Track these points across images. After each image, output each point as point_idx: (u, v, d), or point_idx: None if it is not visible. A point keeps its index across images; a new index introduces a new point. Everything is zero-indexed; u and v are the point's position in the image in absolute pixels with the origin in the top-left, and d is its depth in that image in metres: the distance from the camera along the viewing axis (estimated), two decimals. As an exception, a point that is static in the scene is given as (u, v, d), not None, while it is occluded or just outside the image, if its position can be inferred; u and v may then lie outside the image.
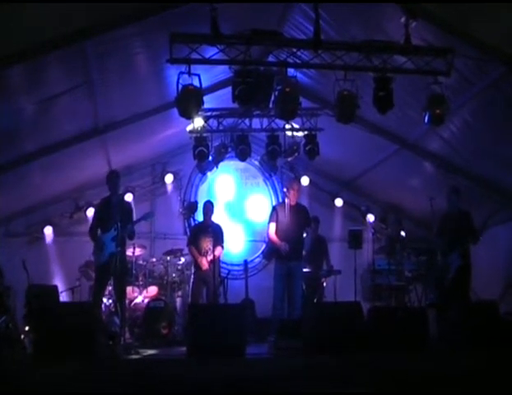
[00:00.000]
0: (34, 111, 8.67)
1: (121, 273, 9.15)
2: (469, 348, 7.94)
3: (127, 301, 10.63)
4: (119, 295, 9.36)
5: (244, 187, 14.07)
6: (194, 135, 11.08)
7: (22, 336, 9.19)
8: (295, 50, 8.37)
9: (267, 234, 10.06)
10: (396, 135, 11.09)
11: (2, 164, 9.46)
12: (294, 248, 9.73)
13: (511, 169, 10.02)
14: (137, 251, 11.47)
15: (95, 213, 9.84)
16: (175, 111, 8.35)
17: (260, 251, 13.39)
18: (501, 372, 5.95)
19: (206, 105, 8.58)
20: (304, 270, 11.09)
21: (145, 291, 11.35)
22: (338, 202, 13.99)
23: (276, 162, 12.13)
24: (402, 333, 8.18)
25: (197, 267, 10.75)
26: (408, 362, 7.11)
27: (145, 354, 9.31)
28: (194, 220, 12.84)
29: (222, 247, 10.98)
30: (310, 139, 11.01)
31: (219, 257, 11.02)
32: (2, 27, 6.62)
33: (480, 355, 7.47)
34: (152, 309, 10.78)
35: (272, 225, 9.88)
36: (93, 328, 8.28)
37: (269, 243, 10.41)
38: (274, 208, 10.17)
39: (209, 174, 13.14)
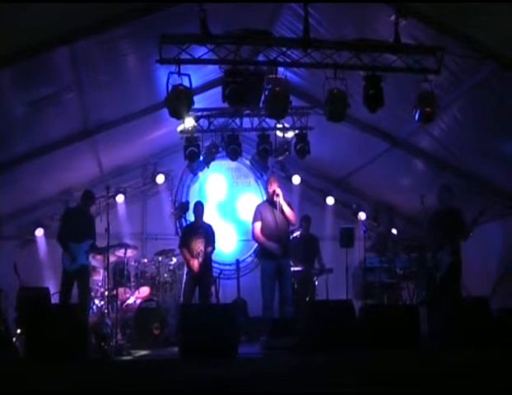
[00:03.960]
0: (24, 113, 8.65)
1: (86, 280, 10.02)
2: (460, 345, 7.96)
3: (119, 302, 10.71)
4: (85, 298, 9.93)
5: (235, 186, 14.06)
6: (185, 135, 11.07)
7: (14, 339, 9.16)
8: (284, 49, 8.37)
9: (254, 234, 9.97)
10: (386, 133, 11.10)
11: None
12: (283, 245, 9.72)
13: (501, 167, 10.06)
14: (129, 252, 11.46)
15: (64, 222, 10.13)
16: (166, 111, 8.33)
17: (252, 250, 13.38)
18: (492, 368, 5.97)
19: (196, 105, 8.56)
20: (296, 269, 11.13)
21: (137, 292, 11.33)
22: (330, 201, 13.98)
23: (268, 161, 12.14)
24: (394, 331, 8.20)
25: (190, 268, 10.73)
26: (400, 360, 7.13)
27: (137, 355, 9.32)
28: (186, 220, 12.86)
29: (214, 247, 10.96)
30: (301, 138, 11.01)
31: (211, 258, 11.02)
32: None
33: (471, 351, 7.50)
34: (144, 310, 10.78)
35: (258, 224, 9.84)
36: (85, 330, 8.29)
37: (258, 242, 10.38)
38: (257, 208, 10.11)
39: (200, 173, 13.13)
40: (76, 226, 9.86)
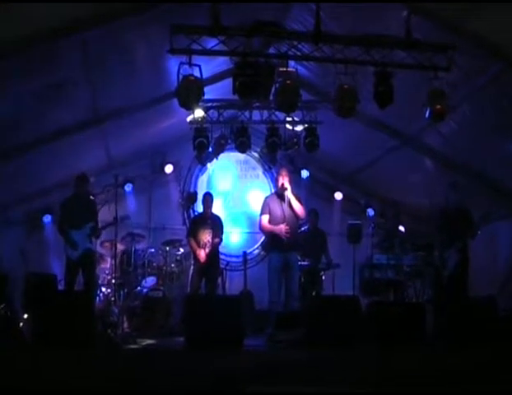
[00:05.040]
0: (34, 100, 8.65)
1: (91, 266, 9.93)
2: (467, 344, 7.96)
3: (125, 290, 10.79)
4: (91, 285, 9.82)
5: (243, 178, 14.06)
6: (194, 126, 11.09)
7: (21, 325, 9.22)
8: (295, 43, 8.36)
9: (260, 225, 9.95)
10: (396, 130, 11.06)
11: (2, 151, 9.45)
12: (291, 237, 9.68)
13: (510, 166, 10.02)
14: (136, 241, 11.50)
15: (63, 211, 10.05)
16: (176, 101, 8.33)
17: (259, 243, 13.40)
18: (499, 367, 5.97)
19: (206, 96, 8.53)
20: (303, 263, 11.12)
21: (143, 281, 11.37)
22: (338, 196, 13.95)
23: (276, 154, 12.13)
24: (400, 328, 8.21)
25: (197, 258, 10.76)
26: (404, 358, 7.13)
27: (143, 343, 9.36)
28: (194, 210, 12.89)
29: (221, 239, 10.99)
30: (310, 132, 11.00)
31: (218, 249, 11.04)
32: (2, 16, 6.63)
33: (478, 350, 7.49)
34: (151, 299, 10.81)
35: (265, 217, 9.81)
36: (91, 317, 8.34)
37: (266, 234, 10.38)
38: (265, 200, 10.07)
39: (209, 165, 13.14)
40: (75, 212, 9.79)
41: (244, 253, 12.74)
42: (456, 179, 10.20)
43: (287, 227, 9.54)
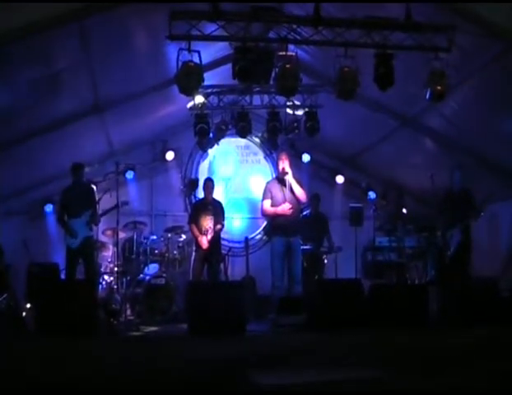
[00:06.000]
0: (34, 89, 8.61)
1: (91, 254, 9.96)
2: (468, 324, 7.97)
3: (128, 277, 10.78)
4: (92, 273, 9.81)
5: (244, 163, 14.02)
6: (195, 112, 11.04)
7: (24, 314, 9.24)
8: (295, 27, 8.31)
9: (263, 210, 9.93)
10: (397, 112, 11.02)
11: (2, 141, 9.43)
12: (293, 222, 9.68)
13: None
14: (138, 229, 11.50)
15: (61, 202, 10.13)
16: (176, 88, 8.30)
17: (261, 228, 13.40)
18: (500, 348, 5.98)
19: (206, 82, 8.50)
20: (306, 247, 11.11)
21: (146, 268, 11.37)
22: (339, 179, 13.93)
23: (277, 139, 12.09)
24: (403, 310, 8.22)
25: (199, 245, 10.76)
26: (406, 339, 7.14)
27: (146, 331, 9.37)
28: (195, 197, 12.87)
29: (223, 224, 10.98)
30: (311, 116, 10.95)
31: (219, 235, 11.03)
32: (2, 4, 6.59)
33: (479, 331, 7.50)
34: (153, 286, 10.81)
35: (267, 202, 9.79)
36: (94, 305, 8.36)
37: (269, 218, 10.36)
38: (267, 185, 10.05)
39: (210, 150, 13.11)
40: (74, 201, 9.83)
41: (246, 238, 12.74)
42: (460, 161, 10.18)
43: (290, 205, 9.54)
